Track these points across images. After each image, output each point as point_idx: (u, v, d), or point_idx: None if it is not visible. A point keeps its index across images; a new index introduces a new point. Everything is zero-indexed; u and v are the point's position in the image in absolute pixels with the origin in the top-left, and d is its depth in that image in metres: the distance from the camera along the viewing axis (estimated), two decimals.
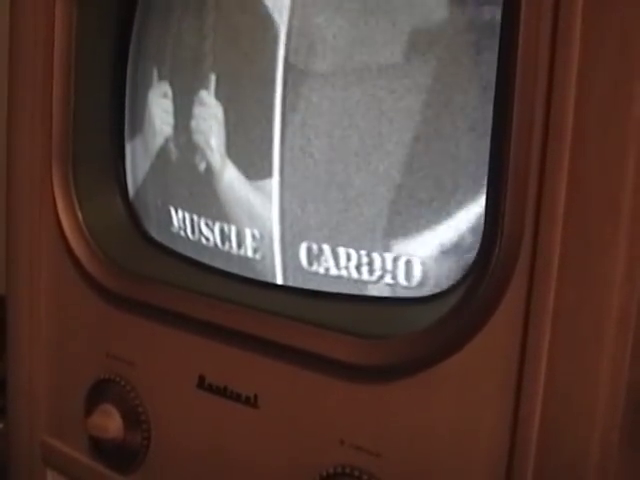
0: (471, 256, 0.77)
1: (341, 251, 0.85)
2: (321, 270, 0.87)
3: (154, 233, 1.02)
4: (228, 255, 0.93)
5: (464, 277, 0.78)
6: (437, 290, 0.81)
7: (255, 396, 0.90)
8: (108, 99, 1.03)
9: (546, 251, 0.68)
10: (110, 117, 1.03)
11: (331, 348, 0.82)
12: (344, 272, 0.85)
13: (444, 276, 0.81)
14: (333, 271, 0.86)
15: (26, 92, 1.04)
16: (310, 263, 0.87)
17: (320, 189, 0.84)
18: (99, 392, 1.03)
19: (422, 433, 0.79)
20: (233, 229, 0.92)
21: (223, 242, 0.93)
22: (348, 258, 0.85)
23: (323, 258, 0.86)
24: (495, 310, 0.72)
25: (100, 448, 1.04)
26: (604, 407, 0.68)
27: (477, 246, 0.76)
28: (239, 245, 0.92)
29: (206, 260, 0.96)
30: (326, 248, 0.86)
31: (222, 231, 0.93)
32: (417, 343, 0.77)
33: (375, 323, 0.82)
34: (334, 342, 0.82)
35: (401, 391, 0.79)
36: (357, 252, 0.84)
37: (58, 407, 1.09)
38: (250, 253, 0.91)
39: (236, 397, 0.91)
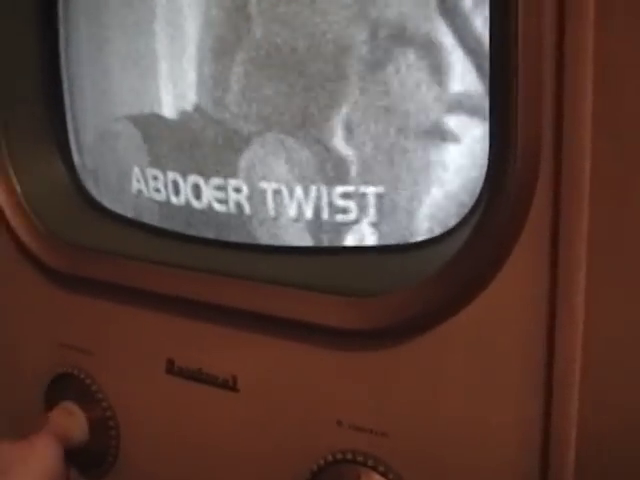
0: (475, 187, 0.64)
1: (313, 190, 0.72)
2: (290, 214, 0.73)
3: (105, 200, 0.88)
4: (191, 212, 0.80)
5: (470, 213, 0.65)
6: (437, 232, 0.67)
7: (234, 378, 0.78)
8: (37, 56, 0.90)
9: (573, 164, 0.54)
10: (43, 77, 0.89)
11: (317, 312, 0.70)
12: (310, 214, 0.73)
13: (445, 215, 0.67)
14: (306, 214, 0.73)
15: None
16: (277, 210, 0.74)
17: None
18: (57, 388, 0.91)
19: (434, 405, 0.67)
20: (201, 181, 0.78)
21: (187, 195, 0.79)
22: (318, 199, 0.72)
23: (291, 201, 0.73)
24: (513, 246, 0.59)
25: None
26: None
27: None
28: (197, 197, 0.78)
29: (167, 224, 0.83)
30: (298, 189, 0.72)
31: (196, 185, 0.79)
32: (419, 297, 0.64)
33: (365, 278, 0.69)
34: (320, 305, 0.69)
35: (404, 356, 0.67)
36: (329, 188, 0.70)
37: (12, 407, 0.96)
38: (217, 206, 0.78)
39: (212, 381, 0.79)
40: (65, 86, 0.88)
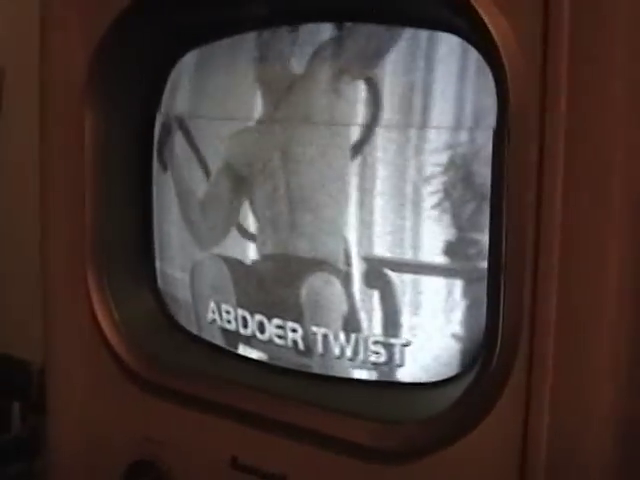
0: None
1: (352, 337, 0.94)
2: (335, 353, 0.96)
3: (184, 323, 1.10)
4: (257, 341, 1.02)
5: (472, 363, 0.87)
6: (446, 375, 0.90)
7: (285, 476, 0.97)
8: (138, 200, 1.13)
9: (541, 350, 0.77)
10: (139, 219, 1.12)
11: (352, 433, 0.90)
12: (350, 354, 0.95)
13: (453, 361, 0.90)
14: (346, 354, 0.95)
15: (58, 198, 1.13)
16: (325, 349, 0.96)
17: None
18: (137, 471, 1.10)
19: None
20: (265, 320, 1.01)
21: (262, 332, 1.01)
22: (356, 344, 0.94)
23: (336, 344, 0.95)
24: (498, 400, 0.81)
25: None
26: None
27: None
28: (262, 332, 1.01)
29: (235, 348, 1.05)
30: (341, 335, 0.95)
31: (261, 323, 1.01)
32: (430, 428, 0.86)
33: (393, 408, 0.91)
34: (355, 427, 0.90)
35: (416, 472, 0.87)
36: (365, 336, 0.93)
37: None
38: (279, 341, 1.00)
39: (267, 476, 0.99)
40: (156, 237, 1.11)
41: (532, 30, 0.76)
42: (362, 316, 0.90)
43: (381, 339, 0.92)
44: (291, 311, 0.98)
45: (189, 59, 1.06)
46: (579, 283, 0.76)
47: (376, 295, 0.88)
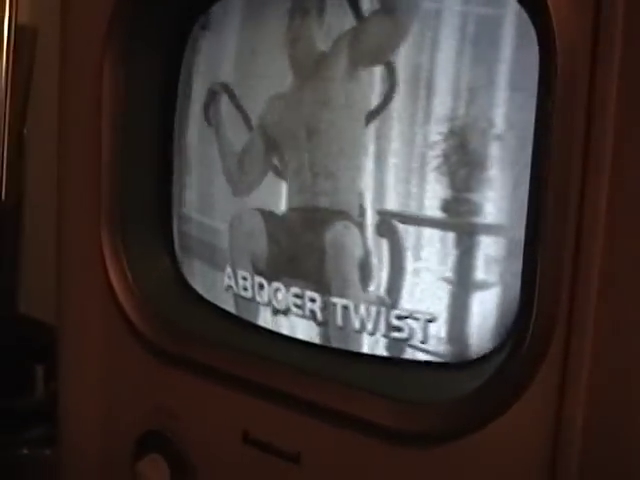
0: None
1: (373, 310, 0.90)
2: (355, 327, 0.92)
3: (202, 290, 1.06)
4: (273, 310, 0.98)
5: (501, 345, 0.81)
6: (475, 356, 0.84)
7: (298, 454, 0.93)
8: (156, 159, 1.08)
9: (580, 329, 0.71)
10: (157, 178, 1.07)
11: (373, 412, 0.85)
12: (370, 328, 0.91)
13: (483, 341, 0.84)
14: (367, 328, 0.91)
15: (75, 154, 1.09)
16: (345, 323, 0.92)
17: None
18: (147, 441, 1.06)
19: None
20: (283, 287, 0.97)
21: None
22: (377, 318, 0.90)
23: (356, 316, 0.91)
24: (531, 382, 0.75)
25: None
26: None
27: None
28: (278, 300, 0.97)
29: (251, 316, 1.00)
30: (362, 307, 0.90)
31: (278, 290, 0.97)
32: (456, 411, 0.80)
33: (416, 388, 0.85)
34: (376, 406, 0.85)
35: (441, 457, 0.82)
36: (387, 310, 0.89)
37: (107, 453, 1.12)
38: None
39: (280, 453, 0.94)
40: (175, 204, 1.07)
41: None
42: (374, 260, 0.91)
43: (404, 313, 0.87)
44: (313, 263, 0.95)
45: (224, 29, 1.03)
46: (625, 255, 0.70)
47: (385, 243, 0.90)
